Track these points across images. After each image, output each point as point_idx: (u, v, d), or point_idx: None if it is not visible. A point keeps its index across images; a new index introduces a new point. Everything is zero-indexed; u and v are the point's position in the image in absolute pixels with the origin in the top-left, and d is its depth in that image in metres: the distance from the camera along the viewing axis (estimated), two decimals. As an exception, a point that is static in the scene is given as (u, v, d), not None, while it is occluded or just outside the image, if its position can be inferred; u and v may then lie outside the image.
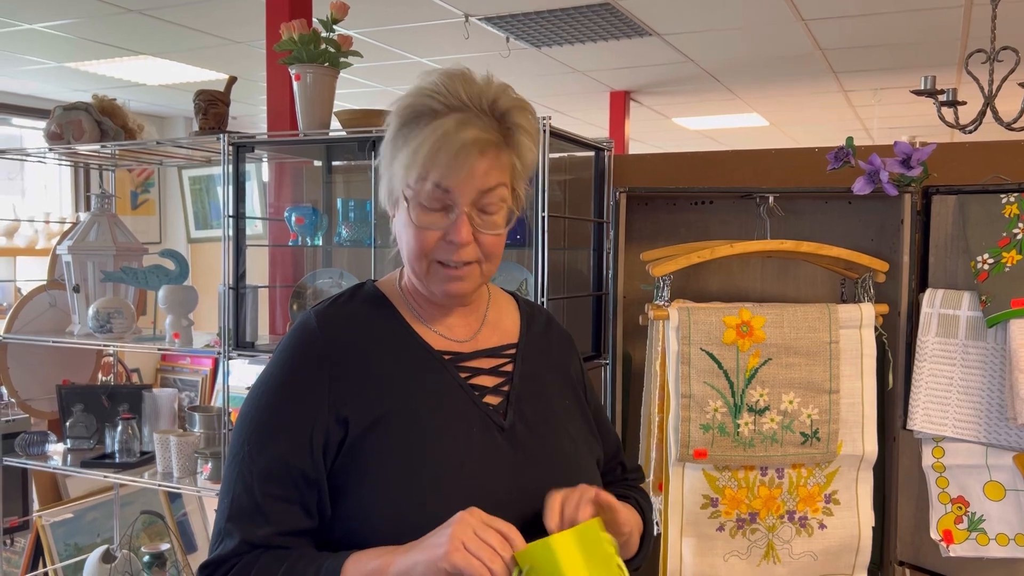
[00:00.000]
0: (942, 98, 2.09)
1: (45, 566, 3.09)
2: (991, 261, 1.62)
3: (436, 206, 1.06)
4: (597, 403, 1.32)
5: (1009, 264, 1.60)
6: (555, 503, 1.03)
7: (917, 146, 1.79)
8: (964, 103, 2.13)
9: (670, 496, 1.69)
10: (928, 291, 1.71)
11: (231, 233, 2.31)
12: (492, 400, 1.13)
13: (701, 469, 1.68)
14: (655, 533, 1.74)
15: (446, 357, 1.13)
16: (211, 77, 5.32)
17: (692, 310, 1.69)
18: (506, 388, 1.15)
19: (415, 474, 1.04)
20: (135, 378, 6.12)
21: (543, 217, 1.95)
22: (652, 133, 7.97)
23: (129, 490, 3.39)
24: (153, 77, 5.38)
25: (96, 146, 2.54)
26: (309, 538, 1.06)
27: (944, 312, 1.68)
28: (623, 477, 1.30)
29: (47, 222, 5.37)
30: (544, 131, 1.94)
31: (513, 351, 1.20)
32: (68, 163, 2.88)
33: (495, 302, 1.24)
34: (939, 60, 4.85)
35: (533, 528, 1.03)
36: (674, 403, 1.67)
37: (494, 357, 1.17)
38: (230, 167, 2.29)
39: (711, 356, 1.66)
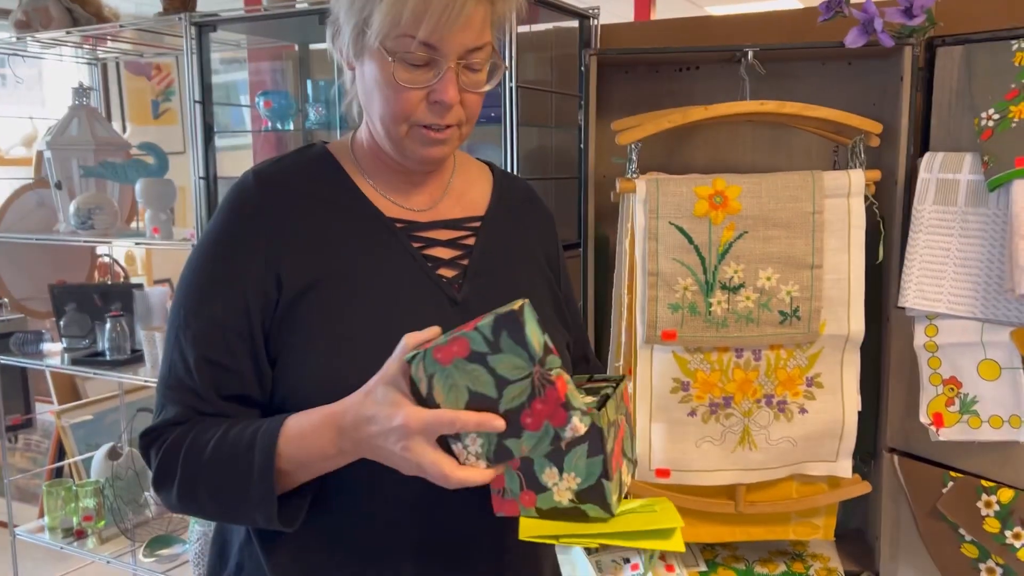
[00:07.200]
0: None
1: (64, 460, 3.16)
2: (996, 117, 1.44)
3: (419, 62, 0.95)
4: (569, 292, 1.22)
5: (1016, 119, 1.42)
6: None
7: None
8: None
9: (638, 380, 1.59)
10: (927, 155, 1.54)
11: (198, 122, 2.21)
12: (447, 273, 1.05)
13: (671, 351, 1.57)
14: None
15: (398, 225, 1.04)
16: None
17: (661, 181, 1.55)
18: (464, 262, 1.06)
19: (351, 345, 0.97)
20: (168, 284, 6.17)
21: (511, 88, 1.80)
22: (685, 24, 7.56)
23: (146, 392, 3.42)
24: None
25: (61, 32, 2.44)
26: (255, 407, 1.00)
27: (943, 177, 1.51)
28: (586, 371, 1.21)
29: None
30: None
31: (477, 224, 1.10)
32: (34, 55, 2.78)
33: (462, 170, 1.15)
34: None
35: None
36: (640, 282, 1.55)
37: (454, 229, 1.08)
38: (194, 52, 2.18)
39: (680, 230, 1.53)
